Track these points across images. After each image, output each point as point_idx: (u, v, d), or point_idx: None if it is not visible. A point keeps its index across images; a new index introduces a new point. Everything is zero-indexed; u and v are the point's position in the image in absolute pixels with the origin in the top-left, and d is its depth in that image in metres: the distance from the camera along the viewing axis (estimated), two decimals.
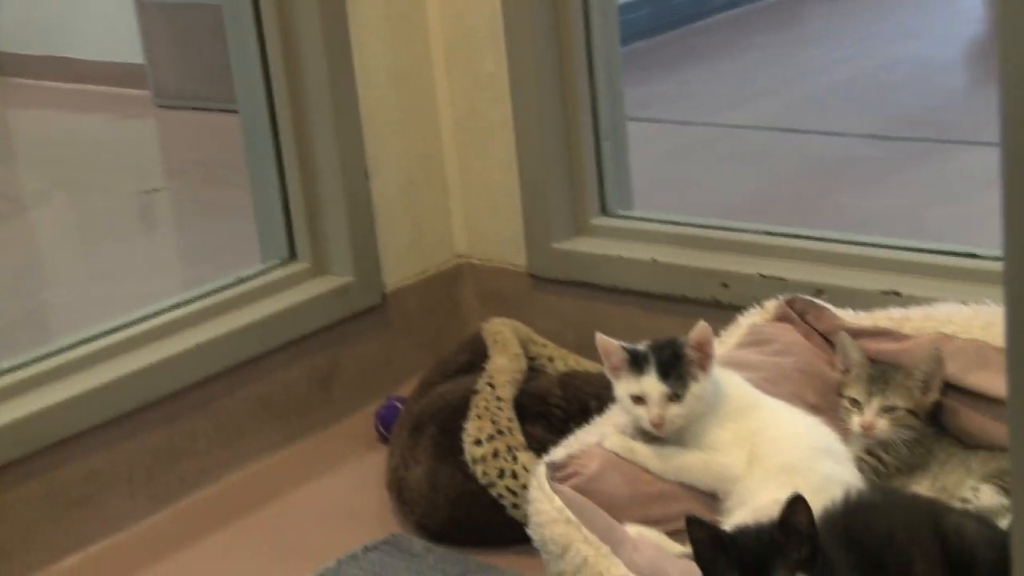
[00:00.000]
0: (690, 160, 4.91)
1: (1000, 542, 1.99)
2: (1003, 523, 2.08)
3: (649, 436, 2.30)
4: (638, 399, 2.23)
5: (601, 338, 2.26)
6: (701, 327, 2.23)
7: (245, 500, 2.84)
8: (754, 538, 1.90)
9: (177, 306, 3.00)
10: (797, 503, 1.87)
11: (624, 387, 2.24)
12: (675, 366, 2.21)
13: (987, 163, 4.65)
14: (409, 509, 2.64)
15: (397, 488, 2.69)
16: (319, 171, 3.18)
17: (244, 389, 3.00)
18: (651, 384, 2.21)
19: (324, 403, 3.16)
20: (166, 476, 2.84)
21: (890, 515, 2.00)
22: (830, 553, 1.91)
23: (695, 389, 2.21)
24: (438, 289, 3.45)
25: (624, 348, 2.25)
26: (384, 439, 3.00)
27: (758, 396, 2.32)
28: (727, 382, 2.29)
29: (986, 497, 2.20)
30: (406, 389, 3.10)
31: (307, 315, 3.12)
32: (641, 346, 2.26)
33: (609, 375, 2.27)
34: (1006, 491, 2.20)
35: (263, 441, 3.03)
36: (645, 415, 2.22)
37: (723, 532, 1.94)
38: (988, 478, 2.25)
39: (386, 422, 3.02)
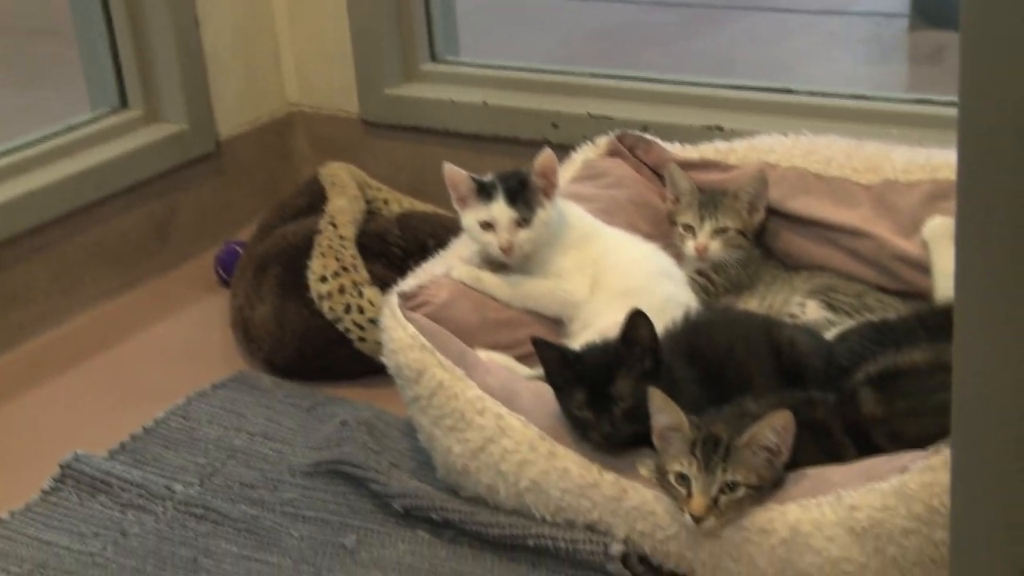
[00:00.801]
0: (482, 26, 4.75)
1: (827, 351, 1.98)
2: (828, 335, 2.08)
3: (495, 266, 2.22)
4: (487, 226, 2.14)
5: (449, 168, 2.15)
6: (546, 154, 2.14)
7: (87, 344, 2.66)
8: (599, 353, 1.85)
9: (5, 153, 2.76)
10: (637, 317, 1.82)
11: (472, 215, 2.15)
12: (522, 193, 2.12)
13: (763, 26, 4.73)
14: (256, 347, 2.51)
15: (243, 327, 2.55)
16: (148, 19, 2.95)
17: (80, 236, 2.80)
18: (500, 210, 2.12)
19: (162, 249, 2.99)
20: (3, 323, 2.64)
21: (728, 331, 1.98)
22: (675, 369, 1.88)
23: (542, 215, 2.13)
24: (271, 136, 3.28)
25: (472, 178, 2.15)
26: (224, 282, 2.85)
27: (599, 225, 2.26)
28: (569, 212, 2.22)
29: (812, 312, 2.20)
30: (244, 234, 2.95)
31: (141, 162, 2.92)
32: (488, 176, 2.16)
33: (456, 205, 2.17)
34: (830, 306, 2.21)
35: (102, 287, 2.84)
36: (494, 241, 2.13)
37: (568, 350, 1.89)
38: (812, 295, 2.25)
39: (226, 265, 2.87)
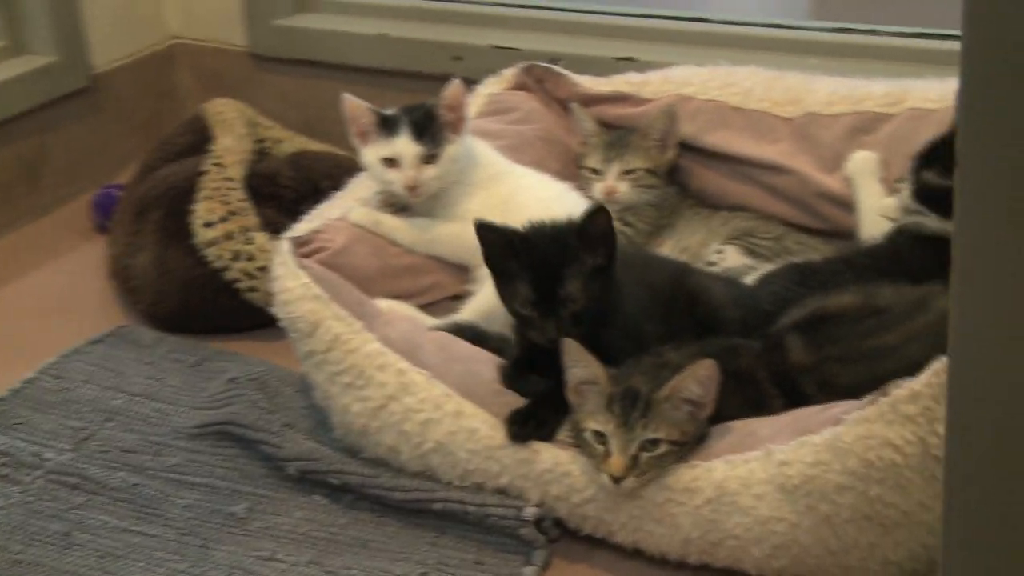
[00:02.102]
0: None
1: (745, 301, 1.89)
2: (748, 281, 1.99)
3: (396, 209, 2.09)
4: (390, 162, 2.00)
5: (348, 99, 2.01)
6: (454, 86, 2.01)
7: None
8: (549, 243, 1.70)
9: None
10: (599, 211, 1.67)
11: (374, 151, 2.01)
12: (428, 127, 2.00)
13: None
14: (136, 298, 2.35)
15: (122, 277, 2.39)
16: None
17: None
18: (404, 145, 1.99)
19: (32, 192, 2.80)
20: None
21: (644, 276, 1.87)
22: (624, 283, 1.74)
23: (450, 151, 2.01)
24: (152, 71, 3.09)
25: (373, 110, 2.01)
26: (101, 229, 2.68)
27: (508, 164, 2.14)
28: (477, 150, 2.10)
29: (731, 258, 2.11)
30: (123, 176, 2.77)
31: (6, 98, 2.72)
32: (390, 109, 2.02)
33: (355, 140, 2.04)
34: (749, 251, 2.12)
35: None
36: (399, 179, 2.00)
37: (516, 235, 1.71)
38: (730, 240, 2.16)
39: (103, 210, 2.70)
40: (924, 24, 2.44)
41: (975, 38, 0.76)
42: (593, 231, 1.67)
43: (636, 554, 1.69)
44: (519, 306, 1.70)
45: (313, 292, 1.83)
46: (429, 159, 2.00)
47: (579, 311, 1.67)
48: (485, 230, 1.72)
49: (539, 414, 1.71)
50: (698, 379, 1.61)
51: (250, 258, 2.26)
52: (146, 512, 1.83)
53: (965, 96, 0.78)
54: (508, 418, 1.71)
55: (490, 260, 1.73)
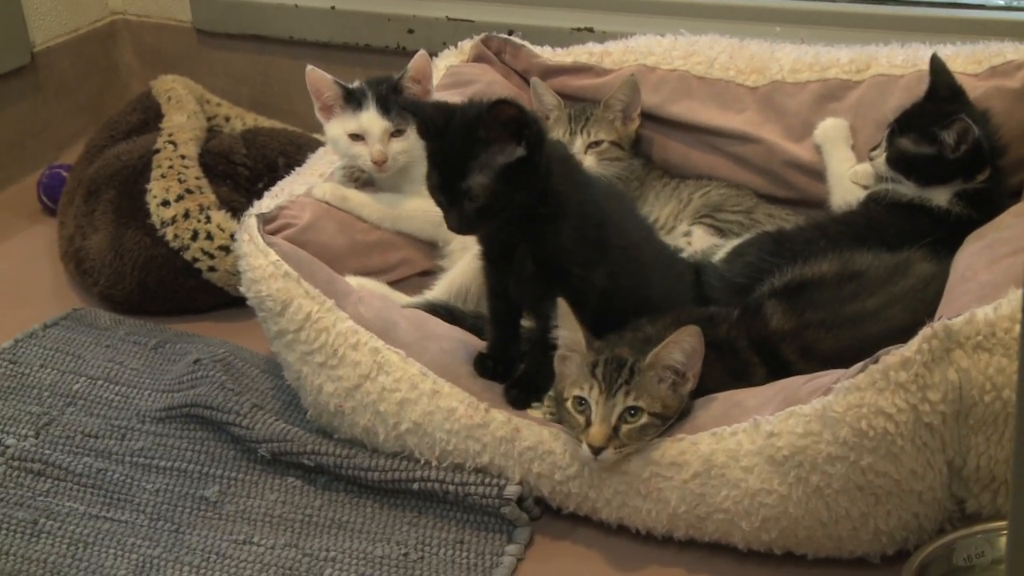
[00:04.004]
0: None
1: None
2: (716, 259, 1.96)
3: (361, 184, 2.04)
4: (356, 137, 1.95)
5: (312, 71, 1.96)
6: (420, 57, 1.96)
7: None
8: (461, 131, 1.57)
9: None
10: (503, 102, 1.55)
11: (340, 126, 1.96)
12: (394, 100, 1.94)
13: None
14: (91, 280, 2.28)
15: (75, 259, 2.31)
16: None
17: None
18: (371, 119, 1.94)
19: None
20: None
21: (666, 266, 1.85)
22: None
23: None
24: (93, 48, 2.99)
25: (338, 83, 1.95)
26: (50, 210, 2.60)
27: None
28: None
29: (698, 240, 2.08)
30: (69, 156, 2.70)
31: None
32: (355, 82, 1.97)
33: (319, 115, 1.99)
34: (717, 230, 2.09)
35: None
36: (366, 153, 1.95)
37: (432, 115, 1.60)
38: (698, 218, 2.12)
39: (51, 191, 2.61)
40: None
41: None
42: (496, 123, 1.55)
43: (620, 530, 1.67)
44: (430, 188, 1.61)
45: (283, 270, 1.77)
46: (396, 133, 1.96)
47: (483, 207, 1.57)
48: (407, 104, 1.67)
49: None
50: (682, 346, 1.58)
51: (209, 237, 2.19)
52: (115, 498, 1.77)
53: None
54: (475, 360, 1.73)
55: (421, 134, 1.63)
